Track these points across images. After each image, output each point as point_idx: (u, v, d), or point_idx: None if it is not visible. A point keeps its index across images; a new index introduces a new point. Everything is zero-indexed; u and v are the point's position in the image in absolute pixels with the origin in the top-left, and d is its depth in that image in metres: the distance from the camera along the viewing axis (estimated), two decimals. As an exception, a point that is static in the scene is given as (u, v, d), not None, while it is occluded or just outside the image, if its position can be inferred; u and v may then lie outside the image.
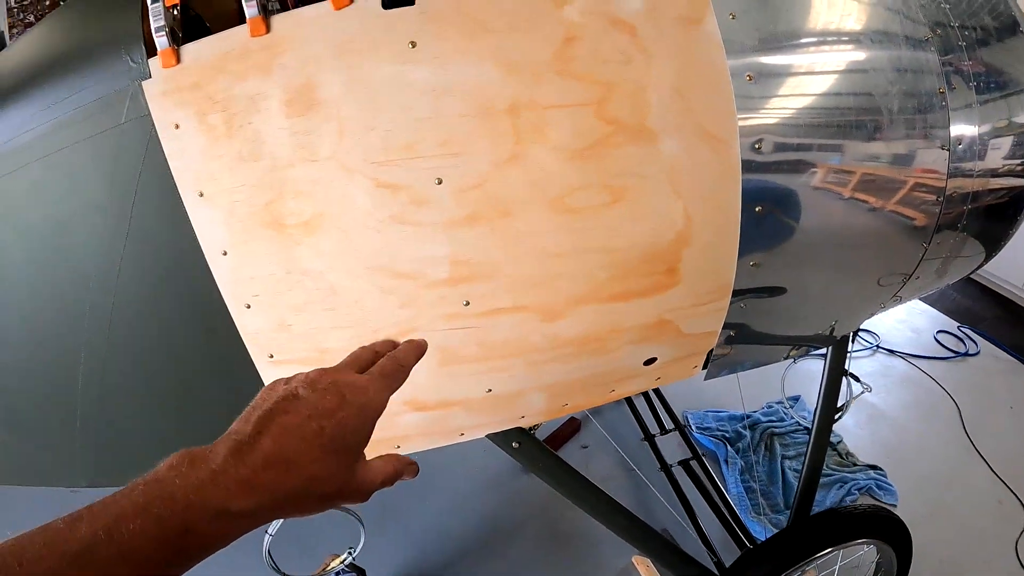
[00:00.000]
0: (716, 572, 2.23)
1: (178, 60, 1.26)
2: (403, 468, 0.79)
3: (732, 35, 1.35)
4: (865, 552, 2.21)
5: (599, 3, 1.27)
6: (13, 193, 1.41)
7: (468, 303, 1.36)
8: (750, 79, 1.37)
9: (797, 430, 3.52)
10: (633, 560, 2.76)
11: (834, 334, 1.96)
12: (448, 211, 1.28)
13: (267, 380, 1.47)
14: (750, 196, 1.42)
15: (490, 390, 1.52)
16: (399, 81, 1.23)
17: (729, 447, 3.37)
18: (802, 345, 1.98)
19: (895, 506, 3.13)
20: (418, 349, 0.95)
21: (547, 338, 1.45)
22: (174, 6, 1.26)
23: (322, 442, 0.67)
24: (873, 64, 1.49)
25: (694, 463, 2.86)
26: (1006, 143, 1.69)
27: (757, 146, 1.40)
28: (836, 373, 2.28)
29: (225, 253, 1.33)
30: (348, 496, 0.70)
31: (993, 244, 1.93)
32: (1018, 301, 4.86)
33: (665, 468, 2.86)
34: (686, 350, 1.66)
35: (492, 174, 1.27)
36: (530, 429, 1.76)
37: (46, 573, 0.49)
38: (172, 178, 1.29)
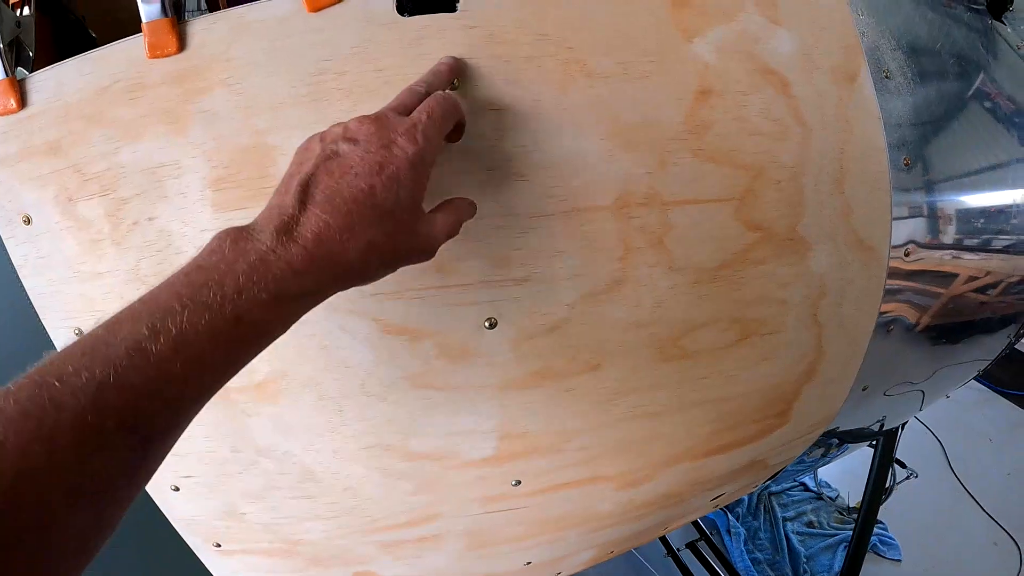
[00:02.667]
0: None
1: (21, 101, 0.49)
2: (464, 213, 0.47)
3: (887, 101, 0.66)
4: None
5: (741, 36, 0.56)
6: None
7: (518, 483, 0.64)
8: (907, 164, 0.69)
9: (793, 487, 2.70)
10: None
11: (883, 429, 1.31)
12: (503, 368, 0.54)
13: (215, 570, 0.74)
14: (886, 314, 0.76)
15: (529, 563, 0.81)
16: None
17: (729, 515, 2.54)
18: (852, 440, 1.35)
19: (899, 561, 2.39)
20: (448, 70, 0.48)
21: (619, 505, 0.74)
22: (22, 3, 0.52)
23: (374, 202, 0.41)
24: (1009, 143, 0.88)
25: (701, 544, 2.08)
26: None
27: (907, 254, 0.73)
28: (885, 463, 1.59)
29: None
30: (412, 256, 0.44)
31: None
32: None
33: (672, 554, 2.05)
34: (759, 479, 0.98)
35: (580, 310, 0.53)
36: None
37: (89, 384, 0.31)
38: (33, 306, 0.55)
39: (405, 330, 0.49)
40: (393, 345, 0.50)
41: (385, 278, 0.44)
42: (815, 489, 2.55)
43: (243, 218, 0.41)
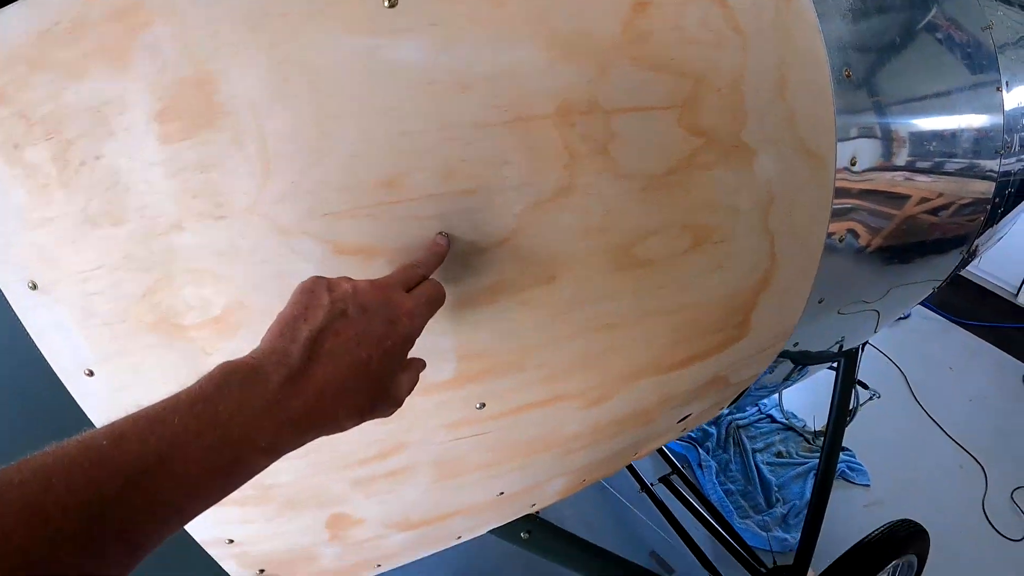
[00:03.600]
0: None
1: None
2: (420, 368, 0.61)
3: (826, 15, 0.80)
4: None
5: None
6: None
7: (482, 405, 0.74)
8: (848, 76, 0.82)
9: (761, 419, 2.97)
10: None
11: (844, 349, 1.47)
12: (456, 283, 0.64)
13: (191, 525, 0.84)
14: (836, 223, 0.91)
15: (502, 492, 0.92)
16: (371, 67, 0.56)
17: (699, 449, 2.78)
18: (813, 363, 1.50)
19: (868, 486, 2.68)
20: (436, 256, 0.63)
21: (585, 426, 0.85)
22: None
23: (368, 370, 0.54)
24: (951, 64, 1.08)
25: (674, 477, 2.27)
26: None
27: (852, 163, 0.86)
28: (847, 384, 1.78)
29: (91, 372, 0.66)
30: (381, 413, 0.57)
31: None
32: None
33: (645, 488, 2.24)
34: (725, 398, 1.10)
35: (528, 220, 0.63)
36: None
37: (101, 499, 0.40)
38: None
39: (358, 249, 0.58)
40: (346, 266, 0.59)
41: (329, 191, 0.53)
42: (783, 420, 2.83)
43: (189, 148, 0.50)
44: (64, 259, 0.58)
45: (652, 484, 2.19)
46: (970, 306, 3.78)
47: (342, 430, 0.55)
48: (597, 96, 0.59)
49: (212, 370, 0.49)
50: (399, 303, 0.56)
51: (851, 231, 0.94)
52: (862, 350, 1.70)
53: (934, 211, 1.08)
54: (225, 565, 0.90)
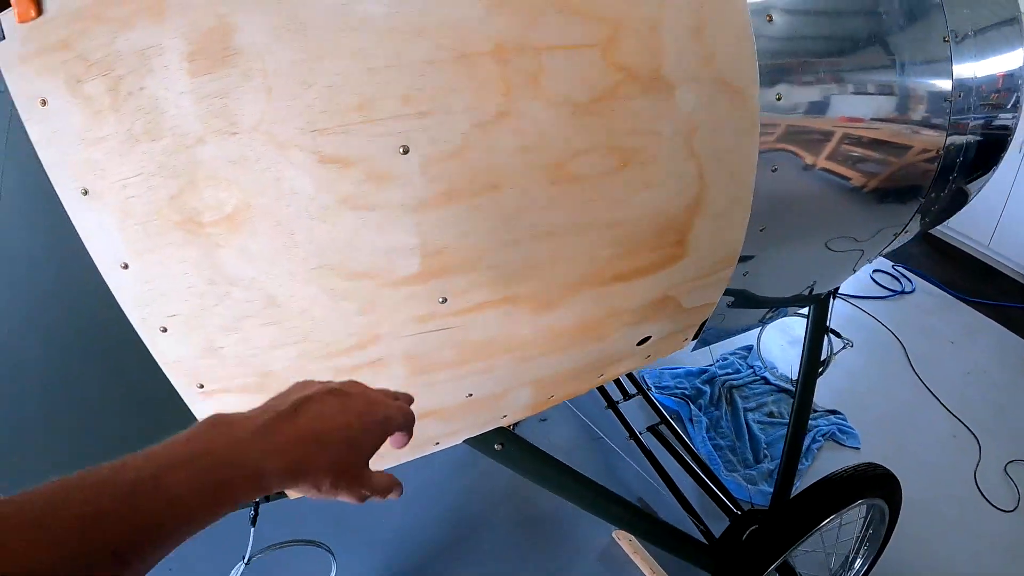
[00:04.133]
0: (706, 542, 2.03)
1: (39, 10, 0.84)
2: (394, 485, 0.80)
3: None
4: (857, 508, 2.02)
5: None
6: None
7: (444, 300, 1.01)
8: (770, 20, 1.07)
9: (755, 380, 3.33)
10: (614, 535, 2.52)
11: (814, 293, 1.72)
12: (417, 188, 0.91)
13: (200, 414, 1.10)
14: (766, 155, 1.13)
15: (471, 395, 1.18)
16: (346, 17, 0.85)
17: (691, 405, 3.13)
18: (786, 307, 1.75)
19: (858, 449, 3.01)
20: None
21: (538, 331, 1.11)
22: None
23: (348, 435, 0.71)
24: (885, 6, 1.26)
25: (662, 427, 2.57)
26: (990, 95, 1.55)
27: (777, 98, 1.10)
28: (818, 331, 2.06)
29: (126, 266, 0.94)
30: (350, 489, 0.71)
31: (968, 195, 1.79)
32: (945, 239, 4.77)
33: (634, 436, 2.55)
34: (681, 324, 1.35)
35: (474, 138, 0.90)
36: (511, 426, 1.44)
37: (97, 512, 0.49)
38: (44, 173, 0.90)
39: (337, 159, 0.86)
40: (329, 173, 0.86)
41: (314, 113, 0.79)
42: (776, 383, 3.20)
43: (211, 81, 0.77)
44: (110, 170, 0.85)
45: (641, 433, 2.51)
46: (976, 285, 4.17)
47: (319, 489, 0.69)
48: (528, 36, 0.86)
49: (206, 417, 0.65)
50: (379, 397, 0.78)
51: (784, 164, 1.18)
52: (832, 298, 1.94)
53: (870, 150, 1.31)
54: None
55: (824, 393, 3.25)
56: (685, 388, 3.25)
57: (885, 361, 3.56)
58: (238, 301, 0.96)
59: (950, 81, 1.36)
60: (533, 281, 1.03)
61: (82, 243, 0.92)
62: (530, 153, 0.92)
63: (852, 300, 4.10)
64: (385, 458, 1.24)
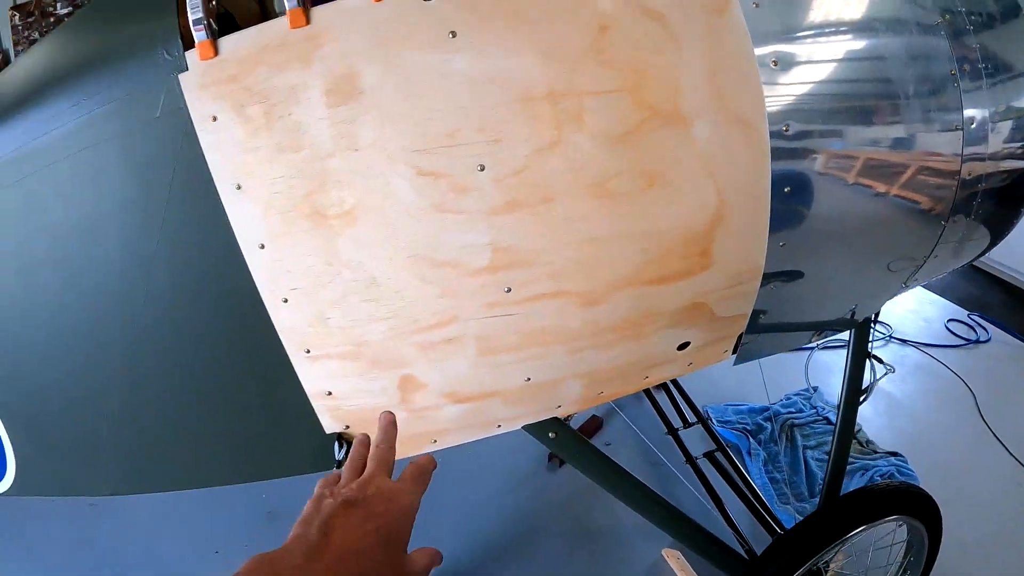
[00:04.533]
0: (747, 558, 2.27)
1: (216, 52, 1.28)
2: (437, 556, 0.91)
3: (756, 23, 1.39)
4: (896, 531, 2.25)
5: None
6: (39, 193, 1.44)
7: (509, 290, 1.39)
8: (775, 65, 1.41)
9: (817, 420, 3.59)
10: (663, 553, 2.86)
11: (855, 317, 2.02)
12: (489, 198, 1.31)
13: (304, 377, 1.49)
14: (779, 178, 1.46)
15: (529, 379, 1.55)
16: (440, 69, 1.26)
17: (751, 439, 3.45)
18: (826, 329, 2.02)
19: None
20: (391, 425, 1.13)
21: (586, 323, 1.48)
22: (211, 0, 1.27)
23: (379, 538, 0.83)
24: (889, 50, 1.54)
25: (719, 454, 2.89)
26: (1013, 125, 1.75)
27: (784, 130, 1.43)
28: (860, 355, 2.35)
29: (263, 246, 1.35)
30: None
31: (1002, 226, 1.99)
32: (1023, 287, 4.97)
33: (690, 460, 2.88)
34: (718, 333, 1.69)
35: (533, 160, 1.30)
36: (564, 420, 1.77)
37: None
38: (208, 172, 1.32)
39: (431, 173, 1.25)
40: (424, 183, 1.25)
41: (415, 138, 1.17)
42: (835, 427, 3.29)
43: (341, 111, 1.21)
44: (260, 172, 1.26)
45: (697, 458, 2.83)
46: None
47: None
48: (573, 84, 1.24)
49: (246, 562, 0.75)
50: (391, 487, 0.92)
51: (797, 186, 1.50)
52: (872, 323, 2.20)
53: (879, 174, 1.59)
54: (322, 418, 1.57)
55: (887, 435, 3.58)
56: (747, 423, 3.60)
57: (953, 408, 3.84)
58: (347, 280, 1.34)
59: (960, 110, 1.63)
60: (581, 278, 1.41)
61: (222, 235, 1.34)
62: (576, 174, 1.30)
63: (925, 348, 4.38)
64: (451, 435, 1.60)
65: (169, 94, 1.30)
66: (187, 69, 1.29)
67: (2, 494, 1.99)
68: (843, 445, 2.35)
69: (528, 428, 1.73)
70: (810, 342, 2.03)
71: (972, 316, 4.69)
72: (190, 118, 1.30)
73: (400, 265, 1.34)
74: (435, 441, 1.64)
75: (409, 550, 0.88)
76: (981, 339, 4.49)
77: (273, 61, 1.27)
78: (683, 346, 1.64)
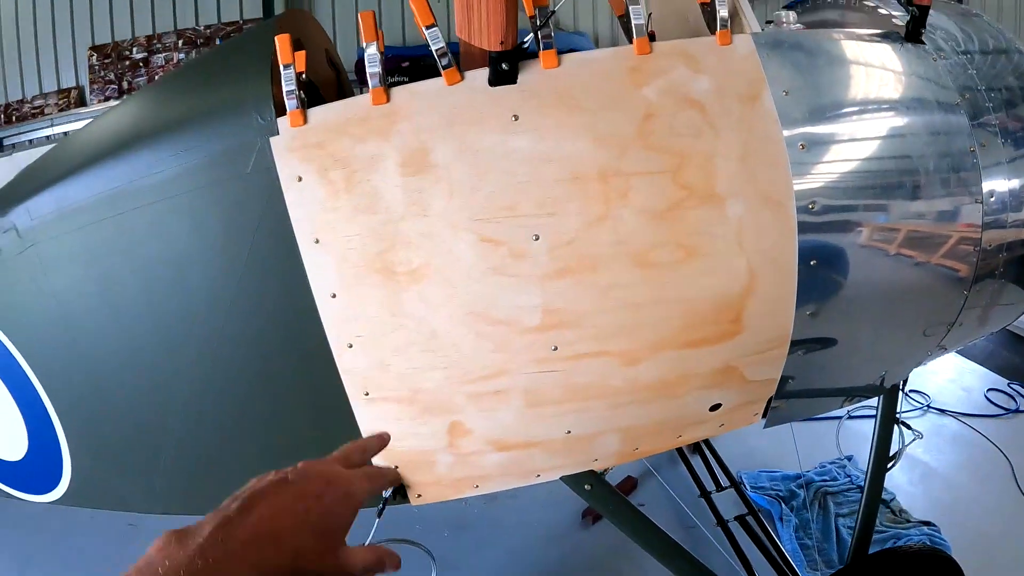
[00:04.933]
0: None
1: (305, 121, 1.59)
2: (386, 558, 0.89)
3: (786, 109, 1.66)
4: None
5: (672, 84, 1.61)
6: (137, 229, 1.74)
7: (556, 348, 1.67)
8: (803, 148, 1.68)
9: (850, 489, 3.77)
10: None
11: (884, 383, 2.23)
12: (543, 264, 1.60)
13: (361, 418, 1.77)
14: (806, 251, 1.70)
15: (569, 431, 1.82)
16: (503, 149, 1.57)
17: (783, 505, 3.64)
18: (855, 396, 2.18)
19: None
20: (381, 440, 1.12)
21: (626, 381, 1.75)
22: (301, 73, 1.53)
23: (308, 520, 0.80)
24: (910, 129, 1.78)
25: (750, 518, 3.09)
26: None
27: (811, 206, 1.68)
28: (888, 421, 2.58)
29: (334, 296, 1.64)
30: (328, 570, 0.81)
31: None
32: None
33: (722, 523, 3.09)
34: (748, 396, 1.95)
35: (582, 233, 1.59)
36: (600, 474, 1.96)
37: None
38: (290, 226, 1.62)
39: (491, 240, 1.55)
40: (485, 248, 1.54)
41: (479, 208, 1.42)
42: (862, 492, 3.51)
43: (414, 181, 1.52)
44: (338, 229, 1.58)
45: (729, 521, 3.05)
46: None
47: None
48: (621, 165, 1.50)
49: (156, 539, 0.74)
50: (335, 471, 0.90)
51: (823, 258, 1.74)
52: (901, 390, 2.36)
53: (901, 246, 1.81)
54: (373, 459, 1.74)
55: (921, 504, 3.78)
56: (780, 490, 3.80)
57: (990, 478, 4.01)
58: (409, 331, 1.62)
59: (979, 183, 1.82)
60: (622, 339, 1.69)
61: (297, 283, 1.61)
62: (621, 245, 1.58)
63: (962, 418, 4.55)
64: (492, 481, 1.81)
65: (260, 154, 1.61)
66: (278, 133, 1.60)
67: (53, 502, 2.22)
68: (871, 505, 2.53)
69: (566, 479, 2.01)
70: (841, 407, 2.18)
71: (1012, 385, 4.84)
72: (277, 177, 1.60)
73: (459, 320, 1.63)
74: (477, 486, 1.90)
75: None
76: (1021, 408, 4.63)
77: (356, 132, 1.58)
78: (715, 407, 1.90)
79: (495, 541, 3.44)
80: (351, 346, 1.66)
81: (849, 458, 4.03)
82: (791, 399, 1.97)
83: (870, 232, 1.76)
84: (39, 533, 3.58)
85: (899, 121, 1.79)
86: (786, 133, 1.63)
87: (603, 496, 2.05)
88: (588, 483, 2.00)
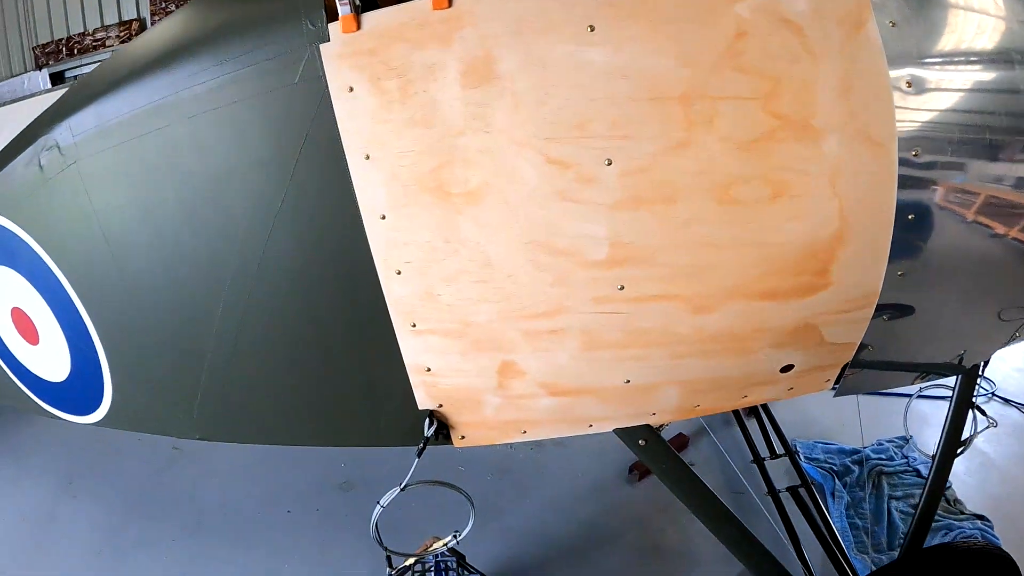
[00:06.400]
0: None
1: (358, 26, 1.39)
2: None
3: (892, 43, 1.43)
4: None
5: (769, 2, 1.37)
6: (178, 143, 1.58)
7: (622, 287, 1.47)
8: (909, 87, 1.45)
9: (906, 471, 3.59)
10: None
11: (963, 363, 2.02)
12: (613, 192, 1.39)
13: (406, 350, 1.59)
14: (904, 204, 1.49)
15: (628, 380, 1.63)
16: (575, 61, 1.35)
17: (837, 480, 3.46)
18: (932, 372, 2.00)
19: None
20: None
21: (693, 330, 1.55)
22: None
23: None
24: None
25: (803, 491, 2.92)
26: None
27: (914, 155, 1.47)
28: (963, 404, 2.36)
29: (384, 217, 1.46)
30: None
31: None
32: None
33: (773, 492, 2.94)
34: (824, 360, 1.73)
35: (660, 159, 1.38)
36: (656, 429, 1.81)
37: None
38: (339, 139, 1.44)
39: (559, 161, 1.35)
40: (551, 170, 1.34)
41: (546, 125, 1.29)
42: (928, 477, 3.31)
43: (476, 93, 1.34)
44: (390, 143, 1.39)
45: (780, 491, 2.88)
46: None
47: None
48: (707, 87, 1.31)
49: None
50: None
51: (922, 215, 1.53)
52: (981, 372, 2.17)
53: (1011, 213, 1.61)
54: (416, 393, 1.70)
55: (976, 496, 3.53)
56: (834, 464, 3.59)
57: None
58: (462, 258, 1.45)
59: None
60: (694, 283, 1.49)
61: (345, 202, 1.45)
62: (701, 176, 1.38)
63: None
64: (542, 427, 1.66)
65: (309, 62, 1.42)
66: (329, 40, 1.41)
67: (96, 423, 2.17)
68: (934, 495, 2.34)
69: (619, 432, 1.81)
70: (912, 384, 2.02)
71: (1083, 381, 4.59)
72: (327, 86, 1.41)
73: (516, 249, 1.44)
74: (525, 432, 1.72)
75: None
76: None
77: (413, 38, 1.37)
78: (786, 368, 1.69)
79: (538, 489, 3.36)
80: (399, 273, 1.49)
81: (909, 439, 3.75)
82: (866, 369, 1.77)
83: (971, 194, 1.55)
84: (84, 453, 3.64)
85: (1015, 74, 1.55)
86: (891, 71, 1.42)
87: (657, 453, 1.87)
88: (643, 438, 1.82)
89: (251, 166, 1.52)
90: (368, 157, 1.41)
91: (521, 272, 1.45)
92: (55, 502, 3.42)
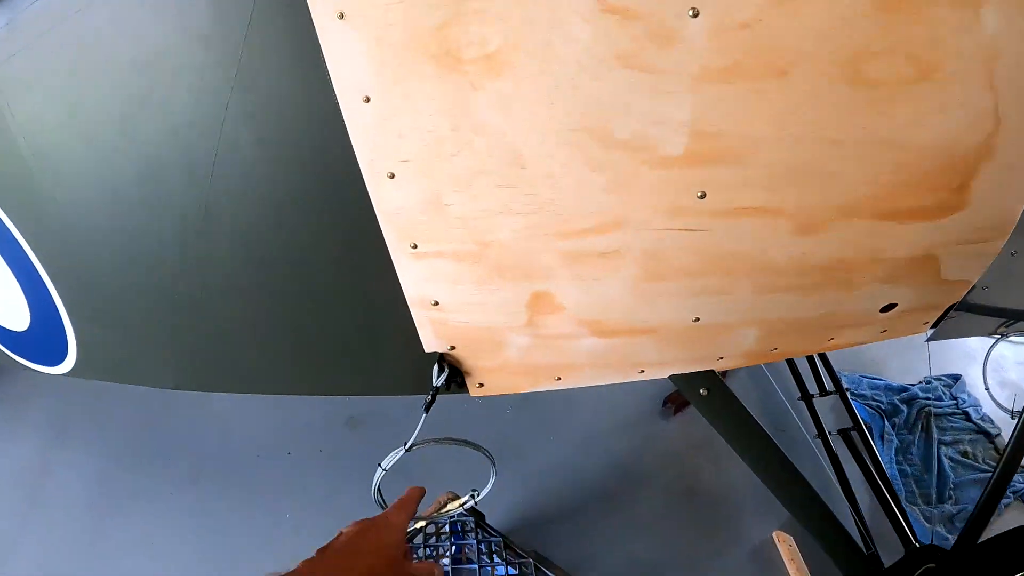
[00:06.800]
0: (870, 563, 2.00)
1: None
2: (436, 570, 1.14)
3: None
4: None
5: None
6: (100, 28, 1.14)
7: (703, 195, 1.05)
8: None
9: (955, 413, 3.32)
10: (774, 536, 2.61)
11: None
12: (701, 56, 0.95)
13: (405, 279, 1.19)
14: None
15: (697, 319, 1.22)
16: None
17: (886, 421, 3.21)
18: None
19: None
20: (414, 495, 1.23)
21: (791, 259, 1.14)
22: None
23: (377, 547, 1.05)
24: None
25: (854, 433, 2.62)
26: None
27: None
28: None
29: (368, 99, 1.02)
30: None
31: None
32: None
33: (823, 434, 2.63)
34: (930, 300, 1.33)
35: (768, 12, 0.93)
36: (721, 375, 1.45)
37: None
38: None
39: (622, 9, 0.91)
40: (609, 23, 0.91)
41: None
42: (978, 421, 3.26)
43: None
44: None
45: (831, 433, 2.60)
46: None
47: None
48: None
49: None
50: (375, 519, 1.11)
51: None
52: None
53: None
54: (422, 332, 1.29)
55: None
56: (881, 402, 3.34)
57: None
58: (479, 153, 1.03)
59: None
60: (804, 192, 1.06)
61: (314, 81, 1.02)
62: (826, 41, 0.95)
63: None
64: (581, 373, 1.28)
65: None
66: None
67: (67, 374, 1.94)
68: (1008, 468, 1.96)
69: (675, 378, 1.41)
70: (995, 331, 1.67)
71: None
72: None
73: (558, 139, 1.00)
74: (559, 379, 1.34)
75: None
76: None
77: None
78: (888, 308, 1.29)
79: (563, 425, 3.11)
80: (392, 176, 1.06)
81: (956, 377, 3.53)
82: (970, 313, 1.39)
83: None
84: (77, 402, 3.40)
85: None
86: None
87: (721, 406, 1.49)
88: (705, 387, 1.44)
89: (187, 45, 1.08)
90: (343, 16, 0.96)
91: (564, 173, 1.02)
92: (46, 453, 3.23)
